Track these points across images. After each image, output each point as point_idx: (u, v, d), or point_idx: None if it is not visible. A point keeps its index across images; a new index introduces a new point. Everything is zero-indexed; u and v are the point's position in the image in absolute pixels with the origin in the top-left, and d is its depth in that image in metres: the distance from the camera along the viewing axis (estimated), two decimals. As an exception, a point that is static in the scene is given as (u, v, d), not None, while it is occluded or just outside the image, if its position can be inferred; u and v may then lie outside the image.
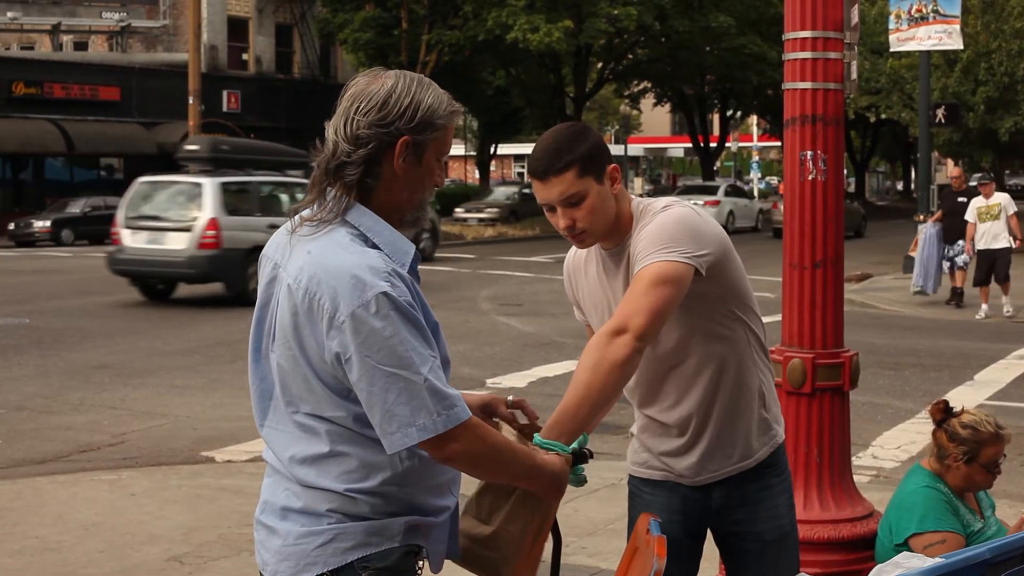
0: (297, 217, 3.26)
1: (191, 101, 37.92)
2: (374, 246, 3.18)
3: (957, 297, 22.86)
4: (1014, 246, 21.88)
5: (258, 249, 24.61)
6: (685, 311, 4.01)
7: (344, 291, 3.06)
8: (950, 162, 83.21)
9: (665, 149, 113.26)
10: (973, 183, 24.78)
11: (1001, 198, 21.92)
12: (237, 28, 56.33)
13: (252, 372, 3.38)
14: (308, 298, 3.12)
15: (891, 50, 30.56)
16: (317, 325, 3.12)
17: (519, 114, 60.41)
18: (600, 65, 58.50)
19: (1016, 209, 22.04)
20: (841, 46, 6.09)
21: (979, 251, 21.97)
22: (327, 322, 3.09)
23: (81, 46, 60.60)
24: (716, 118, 71.82)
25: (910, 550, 5.32)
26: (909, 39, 28.30)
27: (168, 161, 49.75)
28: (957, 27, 28.01)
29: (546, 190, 3.95)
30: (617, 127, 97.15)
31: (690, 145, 71.73)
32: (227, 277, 22.62)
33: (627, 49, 56.62)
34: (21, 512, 8.70)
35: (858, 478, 8.13)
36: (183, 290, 24.01)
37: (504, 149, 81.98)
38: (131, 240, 22.93)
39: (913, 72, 34.40)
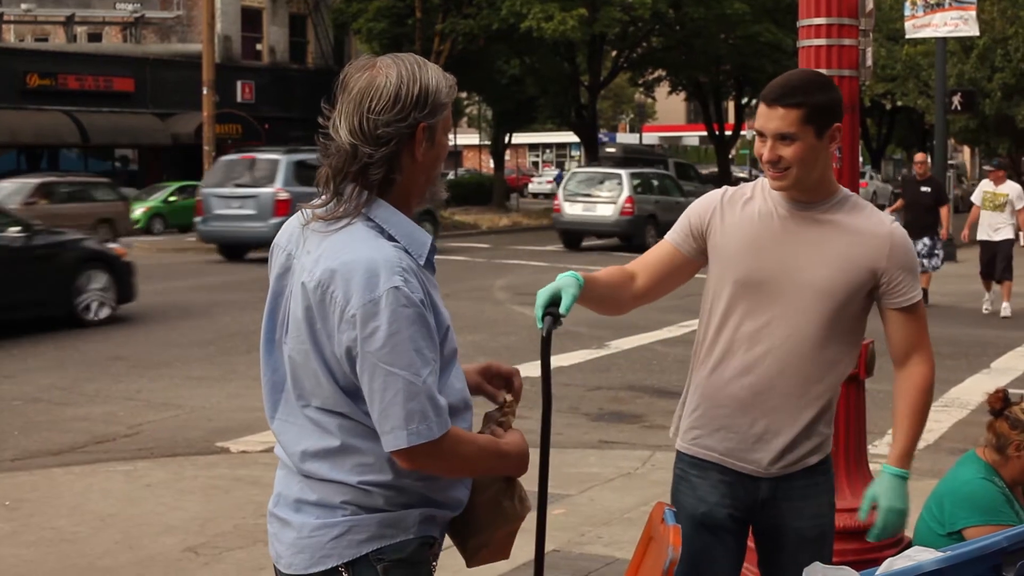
0: (310, 212, 3.24)
1: (205, 92, 37.93)
2: (391, 238, 3.16)
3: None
4: (1022, 242, 20.67)
5: (651, 217, 34.66)
6: (854, 333, 4.18)
7: (356, 285, 3.05)
8: (967, 149, 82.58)
9: (680, 137, 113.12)
10: (985, 168, 23.93)
11: (1010, 189, 20.57)
12: (251, 18, 56.35)
13: (264, 363, 3.36)
14: (321, 291, 3.11)
15: (907, 37, 30.53)
16: (329, 319, 3.11)
17: (533, 103, 60.21)
18: (615, 53, 58.34)
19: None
20: (856, 33, 6.07)
21: (979, 241, 20.85)
22: (338, 315, 3.08)
23: (95, 37, 60.64)
24: (731, 106, 71.67)
25: (963, 540, 5.26)
26: (925, 25, 28.25)
27: (184, 151, 49.96)
28: (973, 13, 27.95)
29: (767, 117, 4.01)
30: (632, 115, 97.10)
31: (705, 133, 71.61)
32: (635, 235, 33.97)
33: (642, 37, 56.44)
34: (37, 503, 8.71)
35: (874, 466, 8.09)
36: (196, 281, 24.01)
37: (519, 138, 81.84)
38: (569, 209, 35.17)
39: (929, 59, 34.31)
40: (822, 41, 6.00)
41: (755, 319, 4.09)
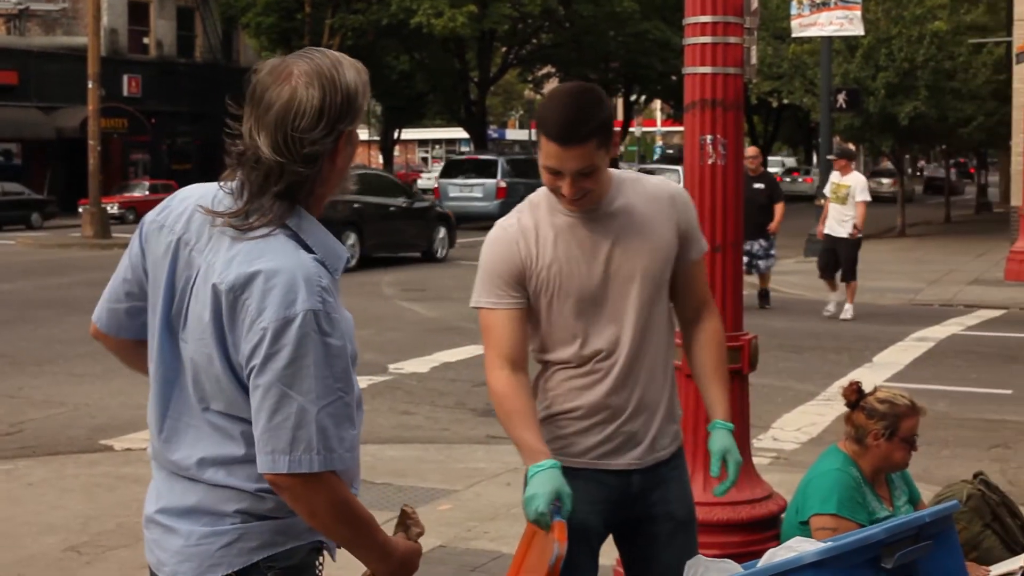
0: (221, 219, 3.07)
1: (90, 85, 37.40)
2: (307, 248, 3.04)
3: (762, 298, 20.21)
4: (846, 232, 19.08)
5: None
6: (663, 302, 4.22)
7: (273, 298, 2.93)
8: (853, 145, 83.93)
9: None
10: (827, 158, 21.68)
11: (853, 180, 19.15)
12: (138, 11, 55.74)
13: (156, 355, 3.18)
14: (234, 296, 2.97)
15: (793, 36, 30.85)
16: (238, 327, 2.98)
17: (423, 99, 60.25)
18: (504, 50, 58.49)
19: (868, 197, 19.43)
20: (741, 31, 6.12)
21: (824, 234, 19.56)
22: (248, 324, 2.95)
23: (-22, 29, 59.69)
24: (620, 103, 72.12)
25: (810, 529, 5.39)
26: (811, 25, 28.58)
27: (68, 145, 49.29)
28: (858, 13, 28.31)
29: (562, 159, 3.90)
30: (521, 112, 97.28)
31: (594, 130, 71.76)
32: None
33: (531, 34, 56.63)
34: (-86, 503, 8.56)
35: (758, 460, 8.20)
36: (80, 276, 23.75)
37: (408, 134, 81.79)
38: None
39: (815, 58, 34.62)
40: (707, 39, 6.04)
41: (601, 328, 4.09)
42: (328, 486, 2.98)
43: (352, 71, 3.08)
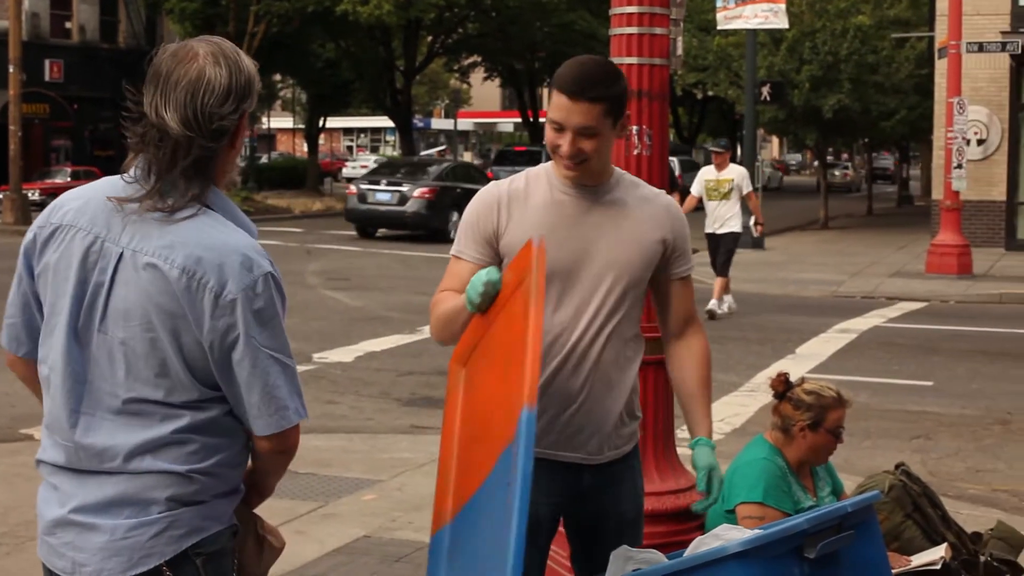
0: (133, 200, 3.08)
1: (11, 70, 36.95)
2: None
3: None
4: (755, 232, 18.61)
5: None
6: (641, 311, 4.29)
7: (232, 270, 3.02)
8: (775, 140, 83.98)
9: (495, 124, 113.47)
10: (711, 150, 18.99)
11: (734, 173, 17.95)
12: (60, -5, 55.10)
13: (64, 353, 3.13)
14: (186, 277, 3.01)
15: (718, 28, 30.98)
16: (197, 306, 3.02)
17: (349, 87, 59.93)
18: (430, 39, 58.35)
19: (752, 187, 18.62)
20: (667, 22, 6.14)
21: (706, 235, 18.24)
22: (211, 301, 3.01)
23: None
24: (546, 93, 72.23)
25: (736, 517, 5.43)
26: (736, 17, 28.73)
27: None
28: (783, 6, 28.48)
29: (568, 111, 3.98)
30: (447, 101, 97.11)
31: (520, 120, 71.94)
32: None
33: (458, 23, 56.52)
34: None
35: (683, 450, 8.21)
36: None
37: (333, 122, 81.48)
38: None
39: (740, 50, 34.84)
40: (633, 29, 6.05)
41: (563, 309, 4.09)
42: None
43: (246, 58, 3.21)
